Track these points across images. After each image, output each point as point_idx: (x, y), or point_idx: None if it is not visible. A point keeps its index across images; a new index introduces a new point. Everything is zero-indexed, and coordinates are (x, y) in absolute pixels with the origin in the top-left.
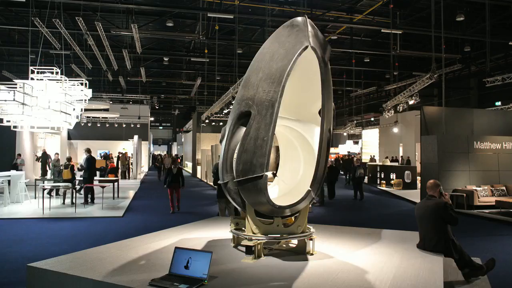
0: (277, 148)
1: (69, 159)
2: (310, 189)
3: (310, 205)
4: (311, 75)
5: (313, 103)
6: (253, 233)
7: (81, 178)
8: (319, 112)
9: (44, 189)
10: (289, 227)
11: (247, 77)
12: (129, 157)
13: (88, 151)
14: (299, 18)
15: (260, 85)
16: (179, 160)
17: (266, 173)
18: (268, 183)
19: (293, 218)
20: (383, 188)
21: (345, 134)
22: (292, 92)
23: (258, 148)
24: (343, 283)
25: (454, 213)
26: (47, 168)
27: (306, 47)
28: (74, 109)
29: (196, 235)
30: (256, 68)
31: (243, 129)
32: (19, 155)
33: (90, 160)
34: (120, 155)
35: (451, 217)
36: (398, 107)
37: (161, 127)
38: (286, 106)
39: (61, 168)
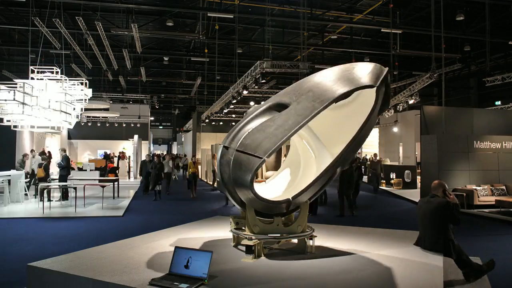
0: (280, 152)
1: (43, 158)
2: (290, 199)
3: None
4: (358, 121)
5: (339, 143)
6: (253, 232)
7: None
8: (344, 149)
9: (43, 189)
10: (289, 226)
11: (308, 79)
12: (119, 156)
13: (63, 150)
14: (381, 66)
15: (313, 90)
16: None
17: (265, 158)
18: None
19: (293, 217)
20: (383, 187)
21: None
22: (335, 120)
23: (274, 135)
24: (343, 282)
25: (458, 213)
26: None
27: (372, 86)
28: (74, 109)
29: (196, 235)
30: (320, 76)
31: (273, 113)
32: (33, 151)
33: (66, 158)
34: (121, 155)
35: (453, 217)
36: (398, 106)
37: (161, 127)
38: (320, 125)
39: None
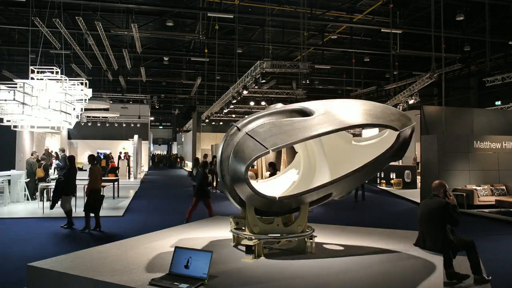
0: (280, 154)
1: (43, 158)
2: (276, 197)
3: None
4: (369, 160)
5: (341, 172)
6: (253, 232)
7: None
8: (344, 175)
9: (43, 190)
10: (289, 226)
11: (343, 100)
12: (119, 156)
13: (62, 150)
14: (411, 118)
15: (343, 110)
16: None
17: (269, 150)
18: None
19: (293, 217)
20: (383, 187)
21: None
22: (350, 149)
23: (287, 134)
24: (343, 282)
25: (457, 214)
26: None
27: (396, 129)
28: (74, 109)
29: (196, 235)
30: (354, 102)
31: (294, 116)
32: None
33: (64, 159)
34: (123, 155)
35: (451, 217)
36: (398, 106)
37: (161, 127)
38: (334, 147)
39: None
